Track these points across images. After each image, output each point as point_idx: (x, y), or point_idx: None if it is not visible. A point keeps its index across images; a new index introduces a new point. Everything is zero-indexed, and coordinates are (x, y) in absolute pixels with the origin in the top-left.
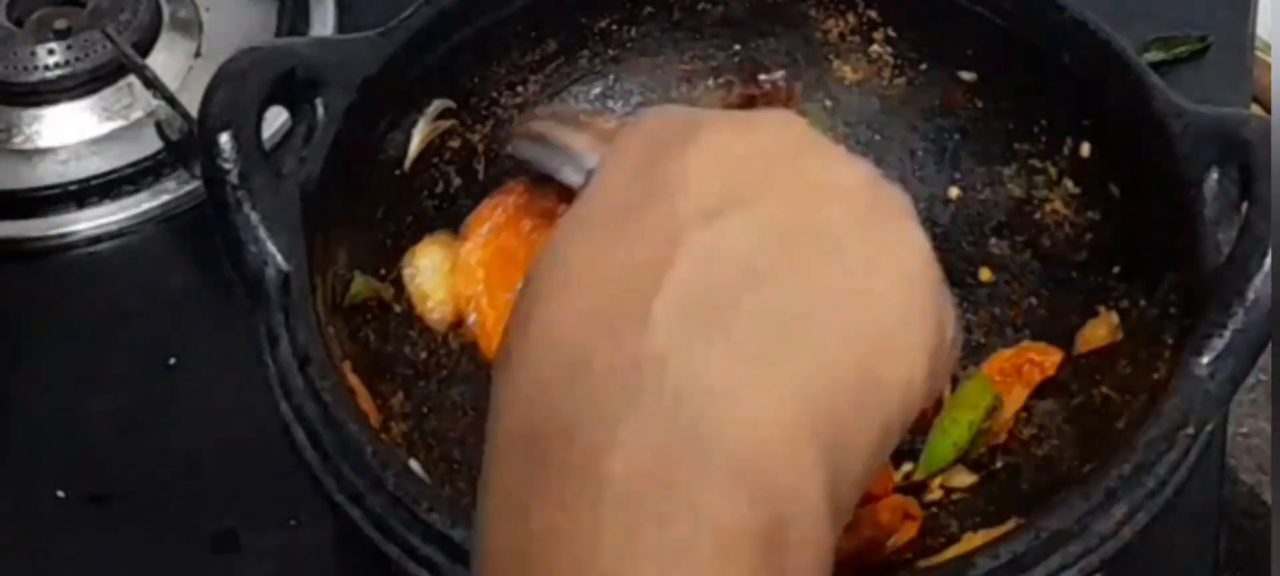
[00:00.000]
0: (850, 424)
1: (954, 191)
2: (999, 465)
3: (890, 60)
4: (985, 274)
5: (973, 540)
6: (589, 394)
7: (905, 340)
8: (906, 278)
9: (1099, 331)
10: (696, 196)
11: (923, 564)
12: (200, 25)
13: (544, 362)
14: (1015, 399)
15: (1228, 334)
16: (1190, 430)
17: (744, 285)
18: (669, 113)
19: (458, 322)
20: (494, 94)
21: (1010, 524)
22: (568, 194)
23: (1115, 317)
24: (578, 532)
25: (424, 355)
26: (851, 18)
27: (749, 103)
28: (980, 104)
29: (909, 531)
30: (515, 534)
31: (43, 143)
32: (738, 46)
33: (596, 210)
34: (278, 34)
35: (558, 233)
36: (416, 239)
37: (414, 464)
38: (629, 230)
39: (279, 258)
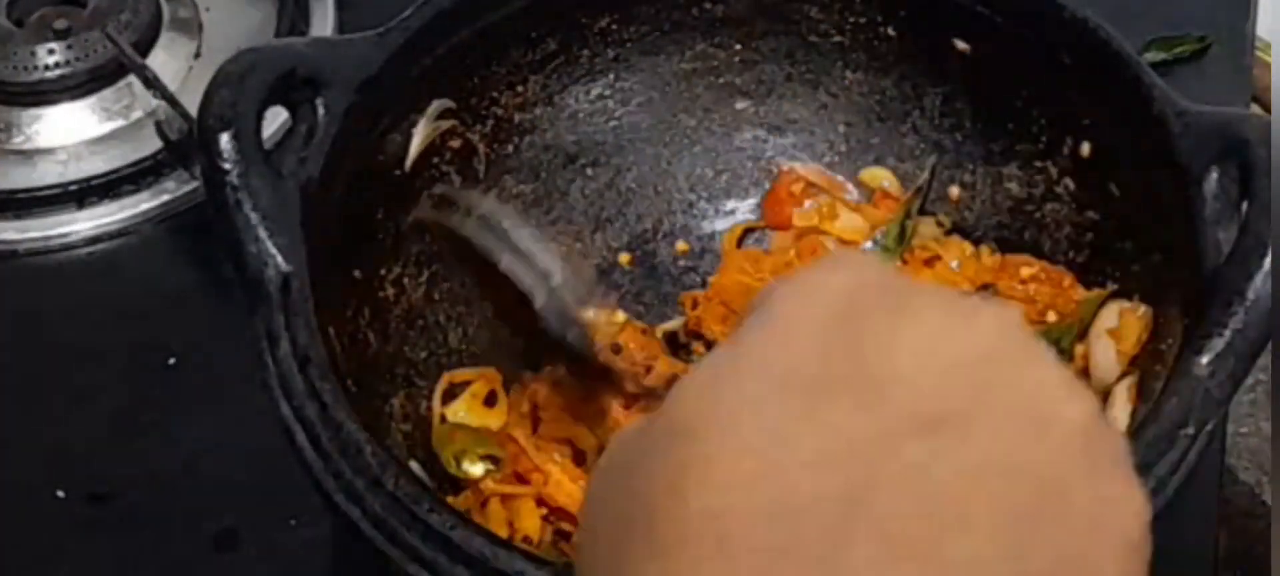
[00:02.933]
0: None
1: (954, 191)
2: None
3: (890, 60)
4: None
5: None
6: None
7: None
8: (1127, 545)
9: None
10: (910, 396)
11: None
12: (200, 25)
13: (714, 561)
14: None
15: (1228, 333)
16: (1190, 430)
17: (953, 528)
18: (859, 267)
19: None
20: (494, 94)
21: None
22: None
23: None
24: None
25: (424, 355)
26: (851, 17)
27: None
28: (980, 104)
29: None
30: None
31: (43, 143)
32: (738, 46)
33: (776, 368)
34: (277, 34)
35: (721, 373)
36: (416, 239)
37: (414, 465)
38: (827, 412)
39: (279, 258)
